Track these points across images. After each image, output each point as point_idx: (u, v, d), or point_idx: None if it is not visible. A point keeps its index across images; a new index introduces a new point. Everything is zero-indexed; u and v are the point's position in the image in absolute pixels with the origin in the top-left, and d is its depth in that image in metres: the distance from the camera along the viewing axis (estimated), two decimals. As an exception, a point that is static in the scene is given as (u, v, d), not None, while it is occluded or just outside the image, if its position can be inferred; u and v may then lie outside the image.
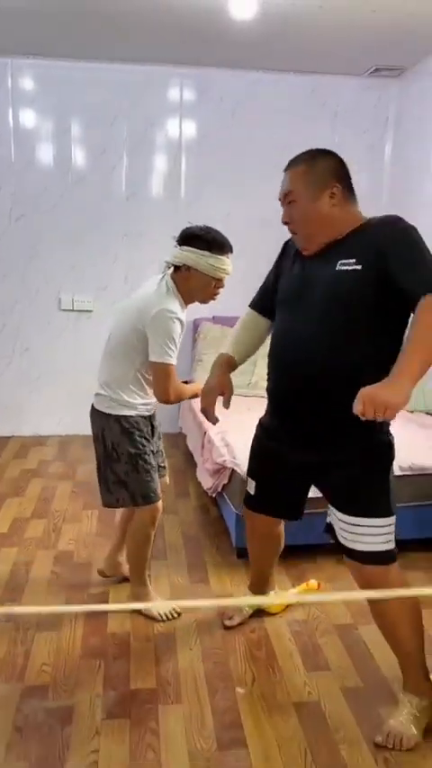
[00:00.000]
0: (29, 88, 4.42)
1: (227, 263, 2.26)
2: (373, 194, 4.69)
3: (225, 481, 3.05)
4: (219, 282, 2.28)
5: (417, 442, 3.23)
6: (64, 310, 4.73)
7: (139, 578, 2.51)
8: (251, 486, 2.21)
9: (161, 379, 2.24)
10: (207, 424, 3.58)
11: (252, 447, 2.20)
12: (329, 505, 1.98)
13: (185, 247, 2.25)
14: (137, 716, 1.97)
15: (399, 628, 1.91)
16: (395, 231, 1.75)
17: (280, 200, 1.92)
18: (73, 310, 4.73)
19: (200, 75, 4.51)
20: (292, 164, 1.89)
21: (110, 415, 2.33)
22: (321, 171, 1.83)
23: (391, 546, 1.88)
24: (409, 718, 1.89)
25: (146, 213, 4.65)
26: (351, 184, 1.88)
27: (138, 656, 2.27)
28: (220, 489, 3.12)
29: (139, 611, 2.50)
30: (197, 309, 4.68)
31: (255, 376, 4.33)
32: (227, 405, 2.15)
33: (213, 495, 3.28)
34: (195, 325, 4.72)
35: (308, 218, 1.84)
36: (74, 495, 3.72)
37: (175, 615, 2.48)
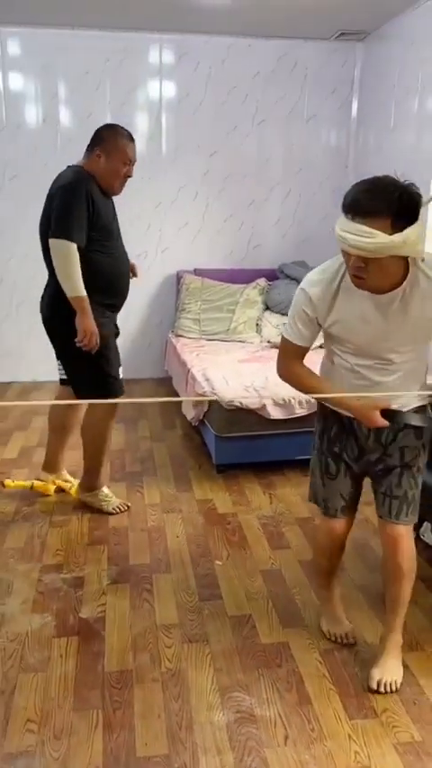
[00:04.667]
0: (17, 55, 4.71)
1: None
2: (341, 150, 5.08)
3: (206, 409, 3.52)
4: None
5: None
6: (57, 264, 5.09)
7: None
8: None
9: (278, 352, 1.98)
10: (191, 363, 4.05)
11: None
12: None
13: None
14: (135, 581, 2.49)
15: None
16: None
17: None
18: (65, 264, 5.09)
19: (178, 41, 4.81)
20: None
21: None
22: None
23: None
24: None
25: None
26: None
27: (135, 543, 2.77)
28: (201, 417, 3.59)
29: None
30: (180, 262, 5.15)
31: (233, 322, 4.76)
32: None
33: (196, 425, 3.76)
34: (179, 277, 5.12)
35: None
36: (73, 428, 4.18)
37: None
